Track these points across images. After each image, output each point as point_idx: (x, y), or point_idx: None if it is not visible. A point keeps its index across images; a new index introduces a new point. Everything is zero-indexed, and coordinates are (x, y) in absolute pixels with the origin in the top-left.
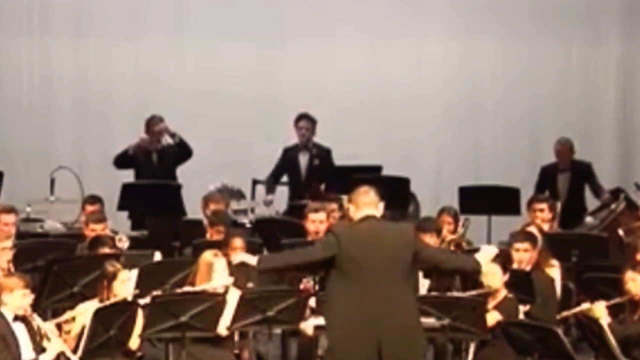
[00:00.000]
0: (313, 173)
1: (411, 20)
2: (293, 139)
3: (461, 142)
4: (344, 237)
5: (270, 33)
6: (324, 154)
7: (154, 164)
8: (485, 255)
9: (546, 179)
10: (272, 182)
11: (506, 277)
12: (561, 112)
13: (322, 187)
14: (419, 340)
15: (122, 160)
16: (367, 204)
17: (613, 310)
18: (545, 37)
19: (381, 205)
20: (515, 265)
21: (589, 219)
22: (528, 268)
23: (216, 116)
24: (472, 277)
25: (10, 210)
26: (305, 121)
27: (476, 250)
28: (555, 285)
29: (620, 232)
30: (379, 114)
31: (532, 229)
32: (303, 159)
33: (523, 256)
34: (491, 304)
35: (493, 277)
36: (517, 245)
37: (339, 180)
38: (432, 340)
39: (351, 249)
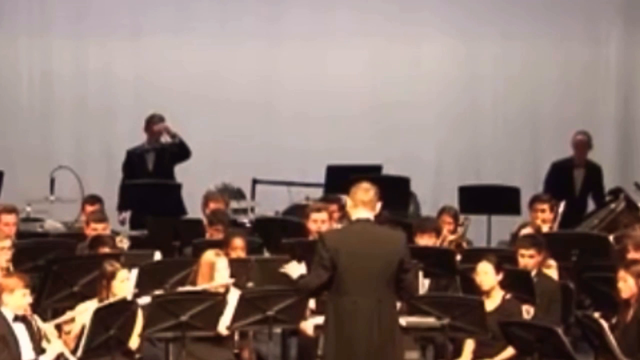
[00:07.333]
0: None
1: (410, 19)
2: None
3: (461, 141)
4: (333, 246)
5: (270, 34)
6: None
7: (151, 163)
8: None
9: (559, 175)
10: None
11: (500, 277)
12: (561, 112)
13: None
14: (400, 347)
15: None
16: (365, 202)
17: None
18: (545, 36)
19: (378, 205)
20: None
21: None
22: (533, 272)
23: (216, 116)
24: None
25: (12, 210)
26: None
27: (477, 250)
28: (559, 288)
29: (611, 238)
30: (379, 114)
31: (529, 230)
32: None
33: (529, 262)
34: (489, 306)
35: (485, 276)
36: (523, 251)
37: (339, 180)
38: (432, 340)
39: (340, 258)
